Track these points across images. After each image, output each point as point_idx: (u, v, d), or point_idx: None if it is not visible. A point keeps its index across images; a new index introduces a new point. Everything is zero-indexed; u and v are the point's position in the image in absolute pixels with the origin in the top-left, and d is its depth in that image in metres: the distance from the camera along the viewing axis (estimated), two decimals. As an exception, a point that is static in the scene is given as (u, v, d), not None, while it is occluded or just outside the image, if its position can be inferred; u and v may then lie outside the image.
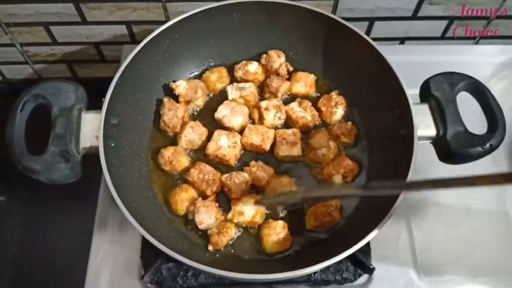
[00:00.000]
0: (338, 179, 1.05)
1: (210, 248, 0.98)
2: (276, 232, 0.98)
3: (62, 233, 1.41)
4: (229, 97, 1.13)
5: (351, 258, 1.02)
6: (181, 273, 1.02)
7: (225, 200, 1.05)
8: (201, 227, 0.99)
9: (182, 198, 1.01)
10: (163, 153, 1.06)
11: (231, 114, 1.10)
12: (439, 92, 1.00)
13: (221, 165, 1.08)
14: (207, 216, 0.98)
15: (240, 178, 1.02)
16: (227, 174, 1.03)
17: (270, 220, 1.01)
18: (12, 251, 1.42)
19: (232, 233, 1.00)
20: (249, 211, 1.00)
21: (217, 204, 1.02)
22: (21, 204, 1.49)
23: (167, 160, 1.05)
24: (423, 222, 1.11)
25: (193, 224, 1.01)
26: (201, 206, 0.99)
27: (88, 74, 1.53)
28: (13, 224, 1.46)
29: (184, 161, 1.06)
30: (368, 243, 1.03)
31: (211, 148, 1.06)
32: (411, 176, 0.90)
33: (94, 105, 1.00)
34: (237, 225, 1.02)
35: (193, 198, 1.02)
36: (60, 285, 1.32)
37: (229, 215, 1.01)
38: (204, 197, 1.03)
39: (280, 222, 0.99)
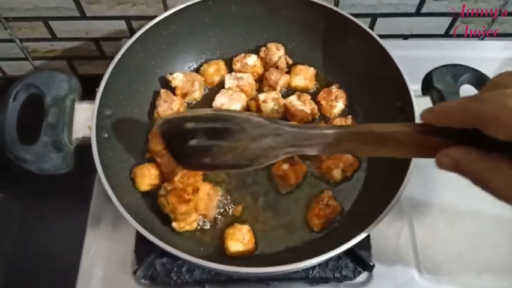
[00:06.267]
0: (337, 173, 1.02)
1: (174, 225, 0.94)
2: (242, 234, 0.94)
3: (60, 230, 1.39)
4: (226, 85, 1.12)
5: (351, 255, 0.99)
6: (175, 269, 0.99)
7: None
8: None
9: (147, 174, 0.99)
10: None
11: (229, 101, 1.08)
12: (442, 84, 0.98)
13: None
14: None
15: None
16: None
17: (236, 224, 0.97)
18: (8, 248, 1.41)
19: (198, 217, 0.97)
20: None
21: None
22: (18, 201, 1.48)
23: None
24: (425, 218, 1.07)
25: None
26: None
27: (88, 71, 1.52)
28: (10, 221, 1.45)
29: (158, 147, 1.01)
30: (368, 240, 1.01)
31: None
32: (412, 170, 0.87)
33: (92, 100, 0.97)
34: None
35: (155, 180, 1.00)
36: (55, 281, 1.30)
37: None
38: (168, 180, 0.99)
39: (245, 227, 0.96)
